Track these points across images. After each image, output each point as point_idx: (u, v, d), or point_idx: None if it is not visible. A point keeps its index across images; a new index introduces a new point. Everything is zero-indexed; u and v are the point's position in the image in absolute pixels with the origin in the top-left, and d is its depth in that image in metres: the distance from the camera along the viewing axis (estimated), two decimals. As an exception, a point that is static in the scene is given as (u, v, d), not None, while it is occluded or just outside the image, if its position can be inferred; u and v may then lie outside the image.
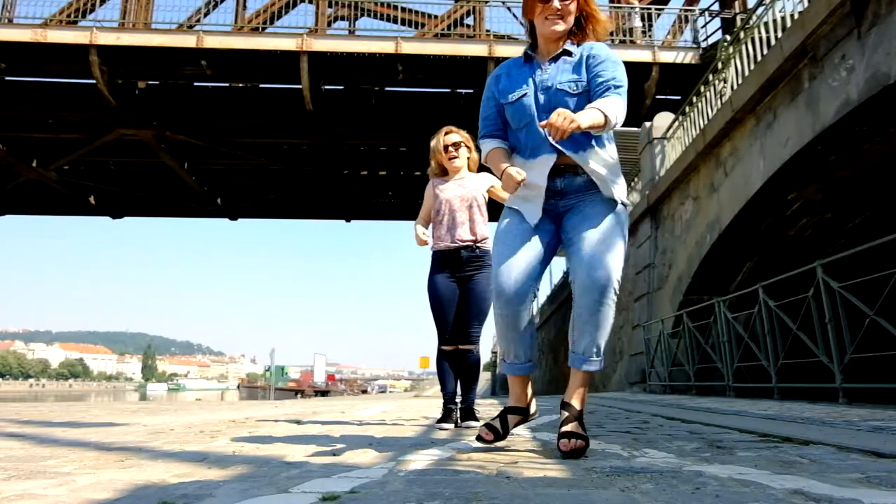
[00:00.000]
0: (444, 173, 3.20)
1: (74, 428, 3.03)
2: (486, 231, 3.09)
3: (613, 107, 1.72)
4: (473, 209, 3.06)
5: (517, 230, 1.90)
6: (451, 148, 3.14)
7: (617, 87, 1.78)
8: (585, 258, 1.77)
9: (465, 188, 3.10)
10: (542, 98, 1.84)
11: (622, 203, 1.86)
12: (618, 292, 1.80)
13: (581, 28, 1.91)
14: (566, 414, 1.80)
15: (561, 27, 1.85)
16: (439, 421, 3.06)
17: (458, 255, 3.02)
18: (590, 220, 1.82)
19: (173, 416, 4.26)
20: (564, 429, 1.73)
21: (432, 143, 3.21)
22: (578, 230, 1.82)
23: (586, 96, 1.82)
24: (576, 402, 1.83)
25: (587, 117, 1.65)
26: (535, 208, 1.88)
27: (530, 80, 1.88)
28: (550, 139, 1.76)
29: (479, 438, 1.85)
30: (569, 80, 1.83)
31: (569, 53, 1.87)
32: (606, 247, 1.78)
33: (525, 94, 1.86)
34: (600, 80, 1.79)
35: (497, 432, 1.86)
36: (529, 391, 1.99)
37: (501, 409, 1.92)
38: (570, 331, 1.87)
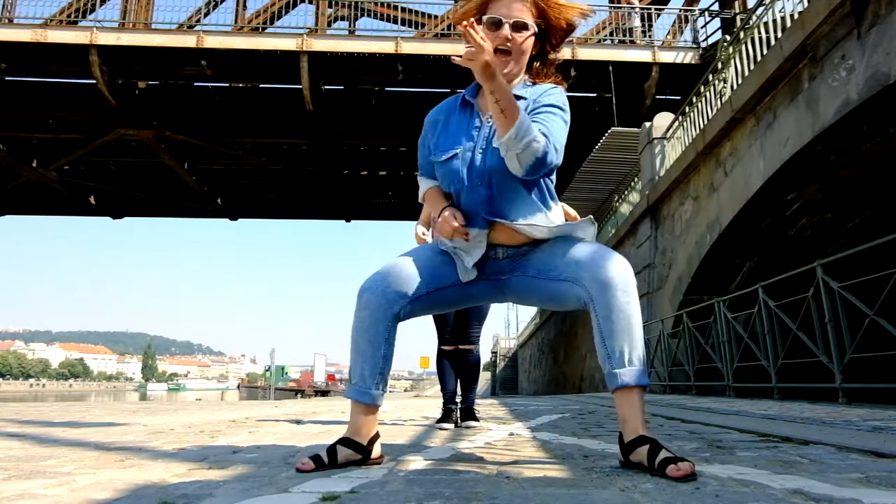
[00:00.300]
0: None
1: (74, 428, 3.03)
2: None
3: (530, 127, 1.35)
4: None
5: (432, 254, 1.58)
6: None
7: (549, 126, 1.42)
8: (590, 262, 1.44)
9: None
10: (478, 159, 1.48)
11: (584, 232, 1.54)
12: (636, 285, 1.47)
13: (542, 54, 1.58)
14: (647, 447, 1.33)
15: (509, 68, 1.48)
16: (439, 421, 3.06)
17: None
18: (556, 253, 1.50)
19: (173, 416, 4.26)
20: (662, 457, 1.29)
21: None
22: (556, 266, 1.48)
23: None
24: (648, 432, 1.38)
25: (504, 88, 1.33)
26: (468, 263, 1.53)
27: (465, 135, 1.52)
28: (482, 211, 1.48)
29: (298, 469, 1.46)
30: None
31: (518, 98, 1.47)
32: (603, 251, 1.47)
33: (455, 155, 1.51)
34: (538, 107, 1.47)
35: (321, 462, 1.48)
36: (374, 429, 1.59)
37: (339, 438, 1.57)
38: (601, 344, 1.44)
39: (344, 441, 1.55)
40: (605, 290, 1.41)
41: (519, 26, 1.48)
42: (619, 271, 1.42)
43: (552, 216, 1.53)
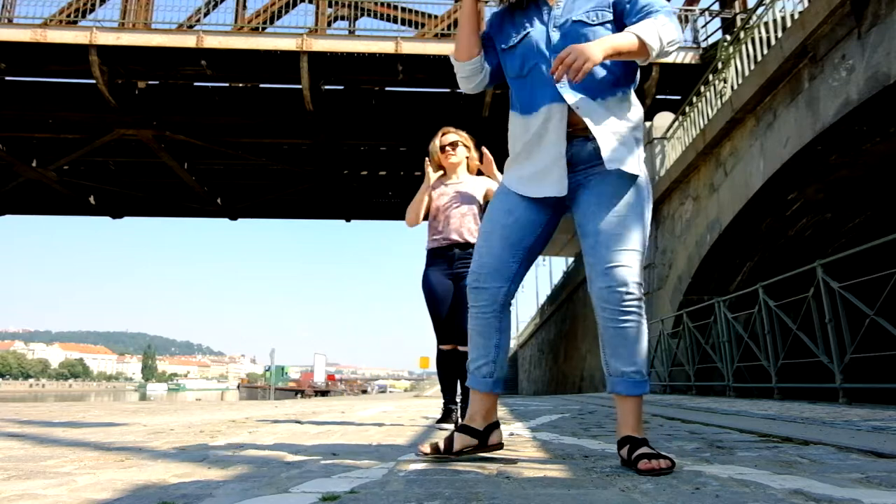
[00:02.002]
0: (443, 172, 3.22)
1: (74, 428, 3.03)
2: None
3: (651, 28, 1.39)
4: (467, 212, 3.07)
5: (506, 219, 1.61)
6: (448, 147, 3.15)
7: (656, 11, 1.45)
8: (601, 261, 1.48)
9: (461, 191, 3.11)
10: (554, 36, 1.52)
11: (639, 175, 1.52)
12: (640, 294, 1.49)
13: None
14: (627, 446, 1.44)
15: None
16: (439, 421, 3.06)
17: (450, 252, 3.04)
18: (605, 203, 1.49)
19: (173, 416, 4.26)
20: (640, 451, 1.38)
21: (431, 146, 3.23)
22: (592, 218, 1.51)
23: (613, 29, 1.50)
24: (635, 433, 1.46)
25: (611, 43, 1.35)
26: (550, 184, 1.53)
27: (535, 19, 1.56)
28: (558, 86, 1.47)
29: (417, 454, 1.65)
30: (588, 10, 1.51)
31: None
32: (625, 240, 1.47)
33: (528, 34, 1.55)
34: (636, 6, 1.48)
35: (437, 449, 1.59)
36: (492, 416, 1.65)
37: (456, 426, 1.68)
38: (602, 350, 1.54)
39: (461, 428, 1.62)
40: (604, 306, 1.49)
41: None
42: (616, 288, 1.46)
43: (622, 112, 1.53)
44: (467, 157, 3.20)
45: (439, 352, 3.10)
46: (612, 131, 1.48)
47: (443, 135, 3.21)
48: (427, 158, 3.17)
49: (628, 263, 1.46)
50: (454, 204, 3.08)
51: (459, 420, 3.02)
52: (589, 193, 1.52)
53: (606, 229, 1.48)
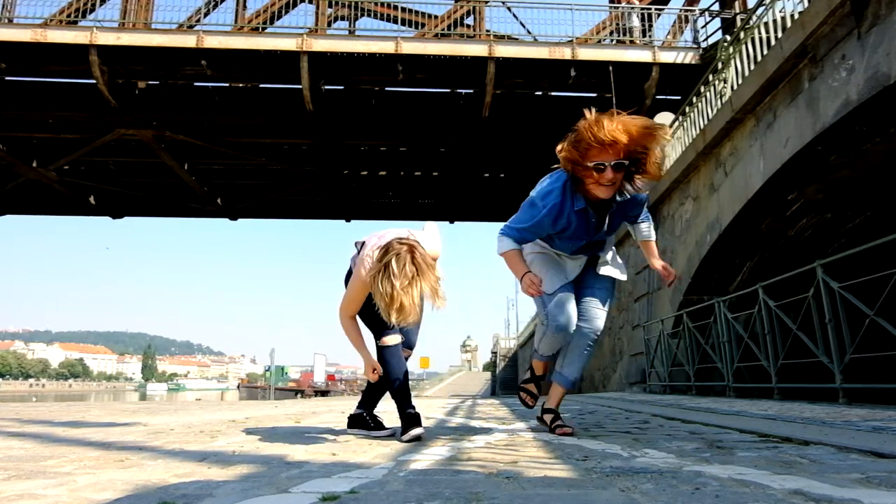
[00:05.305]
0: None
1: (74, 428, 3.03)
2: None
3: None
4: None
5: (561, 274, 2.47)
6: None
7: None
8: (590, 313, 2.49)
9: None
10: (589, 238, 2.40)
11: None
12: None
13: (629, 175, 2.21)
14: (552, 416, 2.56)
15: (608, 194, 2.18)
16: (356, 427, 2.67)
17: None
18: (598, 285, 2.54)
19: (173, 416, 4.26)
20: (556, 423, 2.50)
21: (391, 285, 2.11)
22: (590, 288, 2.54)
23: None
24: (557, 408, 2.61)
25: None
26: (574, 270, 2.51)
27: (589, 229, 2.33)
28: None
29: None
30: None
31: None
32: (603, 306, 2.53)
33: (580, 241, 2.41)
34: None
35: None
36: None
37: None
38: (561, 356, 2.55)
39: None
40: (583, 338, 2.49)
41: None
42: (595, 332, 2.51)
43: (609, 255, 2.61)
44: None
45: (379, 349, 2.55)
46: (611, 263, 2.62)
47: (430, 279, 2.19)
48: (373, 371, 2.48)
49: (603, 320, 2.54)
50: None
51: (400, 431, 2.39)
52: (592, 275, 2.58)
53: (596, 299, 2.55)
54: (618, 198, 2.24)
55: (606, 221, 2.31)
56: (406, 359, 2.61)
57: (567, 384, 2.54)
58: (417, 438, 2.25)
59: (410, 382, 2.65)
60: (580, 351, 2.49)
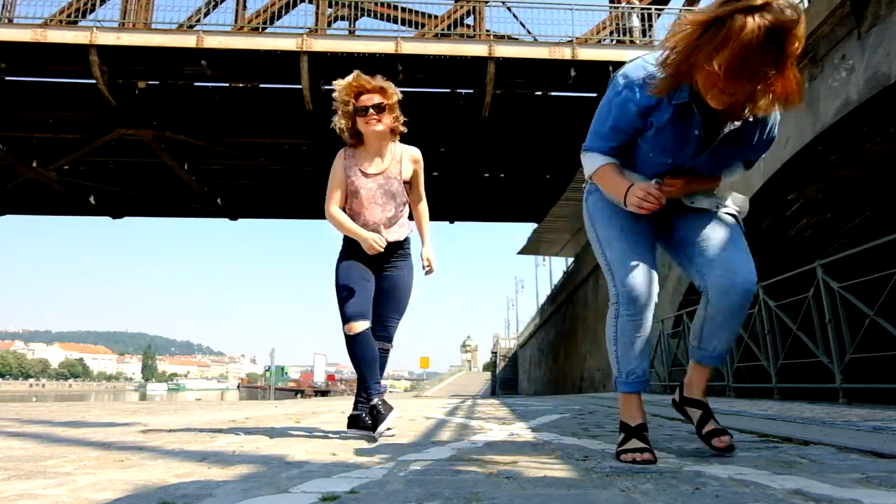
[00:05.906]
0: (355, 135, 2.54)
1: (74, 428, 3.03)
2: (409, 226, 2.67)
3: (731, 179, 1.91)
4: (397, 202, 2.56)
5: (632, 227, 1.76)
6: (372, 111, 2.42)
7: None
8: (721, 258, 1.69)
9: (387, 177, 2.53)
10: (689, 161, 1.73)
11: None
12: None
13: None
14: (700, 412, 1.80)
15: (725, 104, 1.53)
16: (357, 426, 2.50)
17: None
18: (709, 219, 1.76)
19: (173, 416, 4.26)
20: (709, 428, 1.75)
21: (338, 93, 2.46)
22: (699, 228, 1.75)
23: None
24: (704, 398, 1.84)
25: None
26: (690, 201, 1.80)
27: (688, 147, 1.66)
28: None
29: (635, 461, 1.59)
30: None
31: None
32: (741, 246, 1.72)
33: (673, 160, 1.70)
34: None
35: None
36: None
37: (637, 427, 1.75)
38: (699, 327, 1.81)
39: (642, 427, 1.76)
40: (725, 297, 1.69)
41: None
42: (744, 282, 1.67)
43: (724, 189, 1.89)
44: (392, 125, 2.48)
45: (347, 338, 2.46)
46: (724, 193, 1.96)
47: (359, 90, 2.44)
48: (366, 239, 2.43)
49: (751, 264, 1.74)
50: (381, 196, 2.52)
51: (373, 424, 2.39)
52: (693, 215, 1.83)
53: (722, 236, 1.78)
54: (736, 122, 1.62)
55: (713, 147, 1.64)
56: (385, 352, 2.58)
57: (713, 361, 1.81)
58: (373, 438, 2.29)
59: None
60: (730, 314, 1.71)
